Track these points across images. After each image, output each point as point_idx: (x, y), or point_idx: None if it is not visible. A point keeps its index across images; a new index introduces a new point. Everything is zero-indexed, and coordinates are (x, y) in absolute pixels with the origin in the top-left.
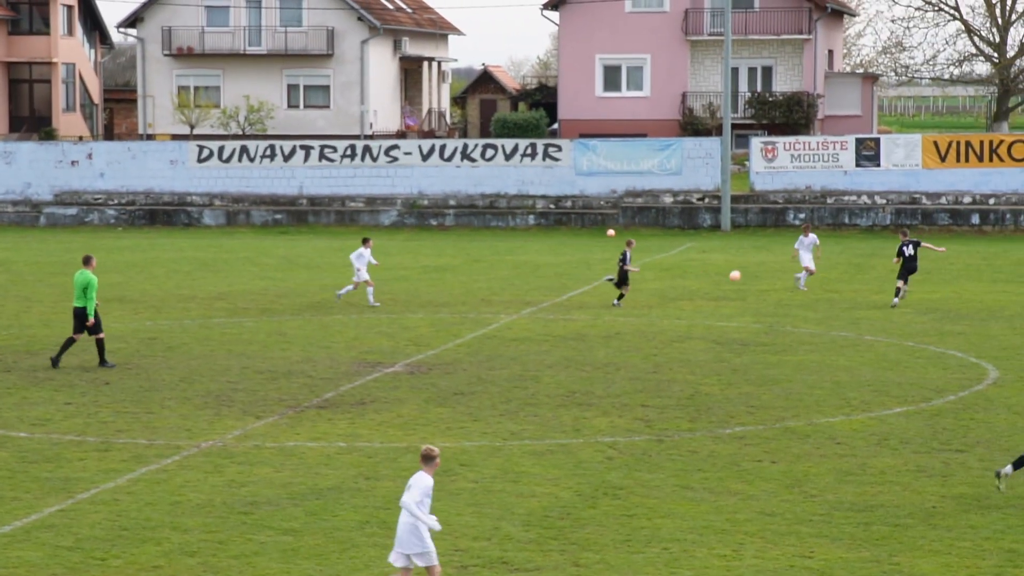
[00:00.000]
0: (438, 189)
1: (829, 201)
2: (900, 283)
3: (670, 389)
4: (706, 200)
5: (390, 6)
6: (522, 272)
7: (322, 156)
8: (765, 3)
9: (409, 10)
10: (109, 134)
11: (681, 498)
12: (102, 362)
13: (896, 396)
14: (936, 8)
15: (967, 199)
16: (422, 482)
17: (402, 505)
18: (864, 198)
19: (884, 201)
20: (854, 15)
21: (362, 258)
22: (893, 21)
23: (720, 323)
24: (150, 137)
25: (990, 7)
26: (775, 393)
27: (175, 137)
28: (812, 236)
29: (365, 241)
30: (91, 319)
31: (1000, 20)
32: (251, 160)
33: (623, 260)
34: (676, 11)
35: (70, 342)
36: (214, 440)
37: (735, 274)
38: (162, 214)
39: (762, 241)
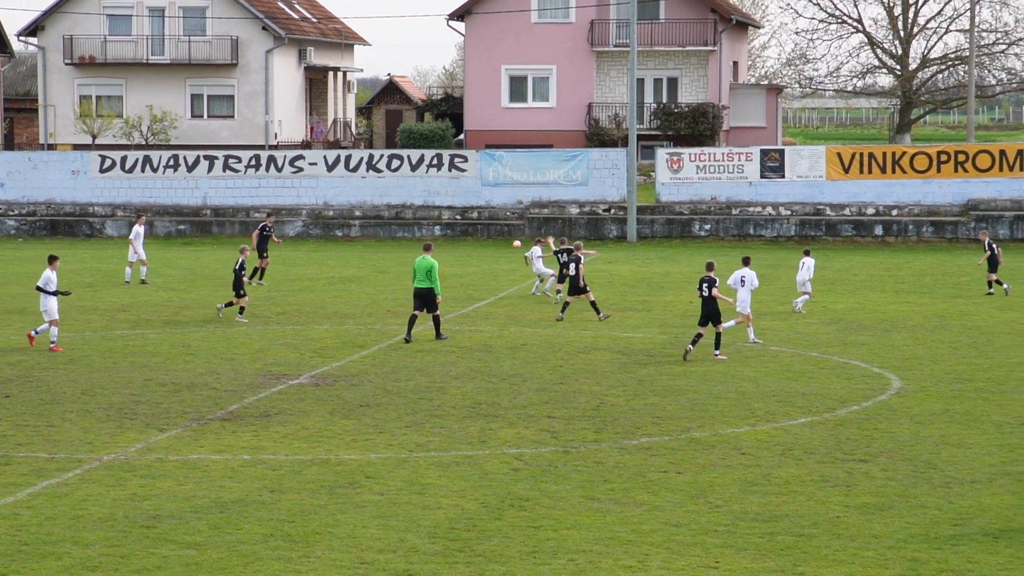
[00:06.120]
0: (344, 200)
1: (734, 212)
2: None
3: (576, 400)
4: (612, 211)
5: (295, 16)
6: None
7: (226, 166)
8: (670, 14)
9: (314, 20)
10: (9, 144)
11: (587, 509)
12: (438, 335)
13: (800, 406)
14: (839, 21)
15: (870, 210)
16: None
17: None
18: (769, 209)
19: (788, 212)
20: (758, 27)
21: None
22: (797, 33)
23: (626, 334)
24: (51, 147)
25: (893, 20)
26: (680, 404)
27: (77, 147)
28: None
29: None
30: (440, 297)
31: (902, 33)
32: (154, 170)
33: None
34: (582, 22)
35: (413, 319)
36: (116, 453)
37: None
38: (64, 225)
39: (668, 252)
